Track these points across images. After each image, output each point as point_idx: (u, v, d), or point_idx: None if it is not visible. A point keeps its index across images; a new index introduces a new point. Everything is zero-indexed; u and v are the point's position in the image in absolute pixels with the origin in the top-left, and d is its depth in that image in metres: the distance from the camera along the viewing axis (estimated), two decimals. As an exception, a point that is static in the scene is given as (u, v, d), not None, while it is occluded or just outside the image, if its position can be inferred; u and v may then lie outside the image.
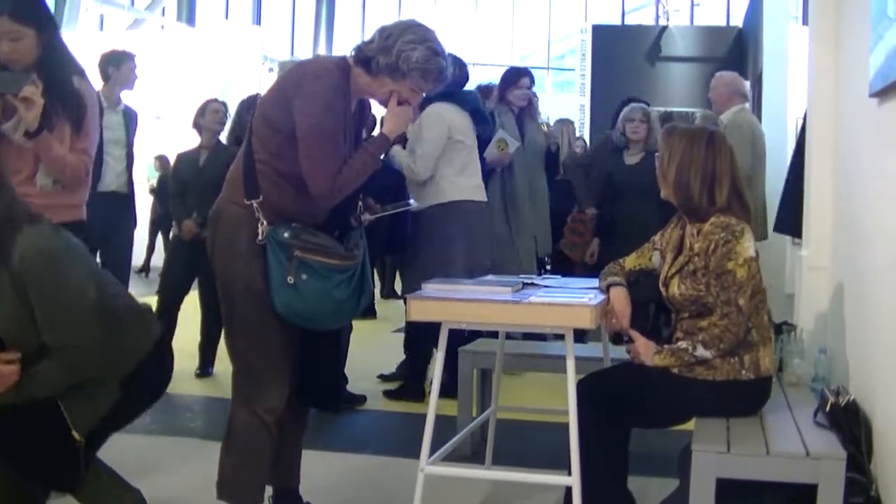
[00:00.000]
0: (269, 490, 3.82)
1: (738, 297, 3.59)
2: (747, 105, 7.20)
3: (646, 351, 3.73)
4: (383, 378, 7.15)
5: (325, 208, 3.54)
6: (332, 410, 5.89)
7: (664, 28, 18.24)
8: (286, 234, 3.46)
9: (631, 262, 4.04)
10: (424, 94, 6.22)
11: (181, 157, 7.47)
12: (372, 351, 8.11)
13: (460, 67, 6.45)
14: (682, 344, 3.67)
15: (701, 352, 3.61)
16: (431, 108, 6.22)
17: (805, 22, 9.76)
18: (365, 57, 3.54)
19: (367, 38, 3.60)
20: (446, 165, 6.18)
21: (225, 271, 3.58)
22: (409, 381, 6.63)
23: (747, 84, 7.38)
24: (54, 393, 3.17)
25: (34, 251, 3.02)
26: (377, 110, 4.03)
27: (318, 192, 3.44)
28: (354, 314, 3.81)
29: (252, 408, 3.58)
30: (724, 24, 22.56)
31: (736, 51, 16.25)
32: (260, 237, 3.45)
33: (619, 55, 15.84)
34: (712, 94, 7.37)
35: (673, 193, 3.80)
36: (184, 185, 7.15)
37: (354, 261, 3.62)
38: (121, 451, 3.67)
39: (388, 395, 6.56)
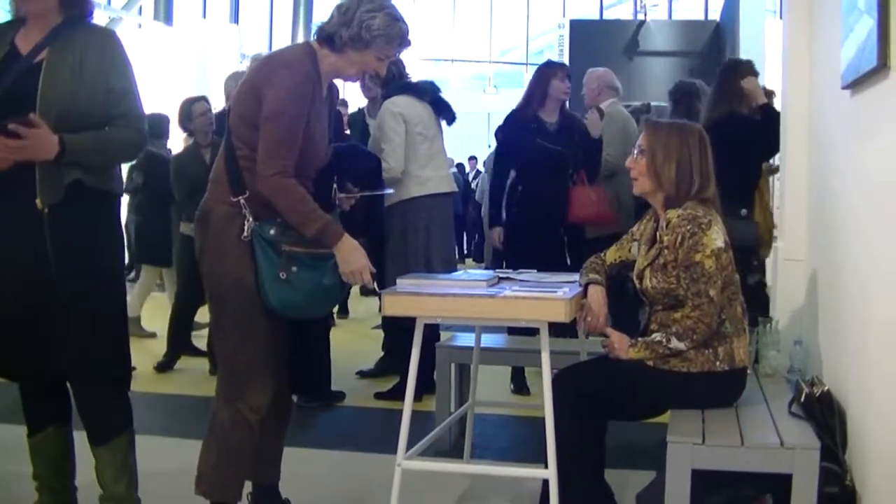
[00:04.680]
0: (247, 486, 3.82)
1: (708, 288, 3.61)
2: (618, 98, 7.42)
3: (620, 345, 3.74)
4: (362, 375, 7.15)
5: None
6: (321, 400, 5.90)
7: (642, 23, 18.26)
8: (273, 231, 3.48)
9: (612, 254, 4.06)
10: (381, 89, 6.30)
11: (182, 159, 7.44)
12: (350, 348, 8.12)
13: (395, 63, 6.46)
14: (657, 336, 3.68)
15: (675, 344, 3.62)
16: (387, 103, 6.24)
17: (782, 16, 9.79)
18: (327, 35, 3.57)
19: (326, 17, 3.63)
20: (409, 160, 6.20)
21: (214, 269, 3.60)
22: (402, 382, 6.63)
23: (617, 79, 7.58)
24: (122, 158, 3.74)
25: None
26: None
27: (263, 173, 3.44)
28: (340, 299, 3.81)
29: (236, 405, 3.59)
30: (702, 18, 22.60)
31: (713, 45, 16.29)
32: (245, 233, 3.47)
33: (598, 50, 15.82)
34: (584, 89, 7.47)
35: (673, 190, 3.78)
36: (194, 184, 7.13)
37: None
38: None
39: (379, 396, 6.47)
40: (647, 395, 3.72)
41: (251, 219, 3.48)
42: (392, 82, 6.35)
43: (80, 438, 3.66)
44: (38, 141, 3.25)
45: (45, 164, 3.31)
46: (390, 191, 5.86)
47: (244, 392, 3.59)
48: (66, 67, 3.38)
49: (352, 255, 3.57)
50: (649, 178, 3.82)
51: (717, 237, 3.66)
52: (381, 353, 7.29)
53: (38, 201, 3.35)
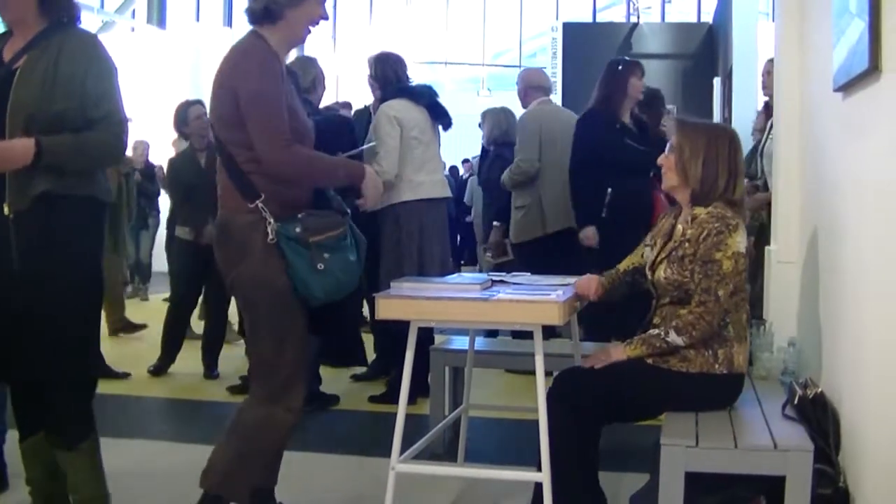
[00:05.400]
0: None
1: (718, 288, 3.61)
2: (550, 97, 7.52)
3: (615, 350, 3.74)
4: (356, 378, 7.14)
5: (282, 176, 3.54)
6: (315, 403, 5.90)
7: (635, 25, 18.31)
8: (298, 230, 3.48)
9: (625, 263, 4.10)
10: (379, 92, 6.33)
11: (177, 164, 7.46)
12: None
13: (397, 63, 6.47)
14: (654, 331, 3.70)
15: (673, 337, 3.63)
16: (383, 106, 6.23)
17: (774, 18, 9.84)
18: (261, 12, 3.56)
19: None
20: (404, 164, 6.18)
21: (244, 277, 3.58)
22: (396, 385, 6.63)
23: (550, 78, 7.80)
24: (100, 163, 3.62)
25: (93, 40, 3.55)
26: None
27: (270, 157, 3.47)
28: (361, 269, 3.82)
29: (271, 407, 3.60)
30: (695, 20, 22.63)
31: (706, 47, 16.36)
32: (270, 236, 3.47)
33: (591, 53, 15.86)
34: (517, 91, 7.54)
35: (697, 186, 3.79)
36: (188, 189, 7.14)
37: (346, 218, 3.68)
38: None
39: (373, 399, 6.47)
40: (645, 393, 3.71)
41: (272, 220, 3.47)
42: (390, 85, 6.36)
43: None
44: (5, 152, 3.23)
45: (17, 169, 3.29)
46: (372, 143, 5.94)
47: (284, 394, 3.61)
48: (38, 72, 3.36)
49: (379, 185, 3.79)
50: (676, 173, 3.84)
51: (741, 241, 3.67)
52: (374, 357, 7.30)
53: (5, 207, 3.33)
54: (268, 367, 3.64)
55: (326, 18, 3.70)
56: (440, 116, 6.47)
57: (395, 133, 6.14)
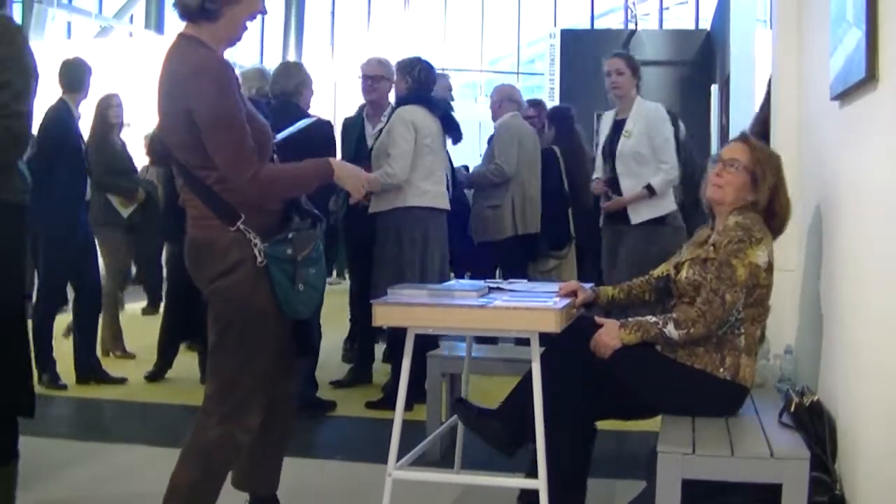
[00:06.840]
0: (241, 495, 3.82)
1: (727, 292, 3.62)
2: (520, 112, 7.88)
3: (609, 332, 3.72)
4: (335, 385, 7.16)
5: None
6: (312, 409, 5.91)
7: (633, 32, 18.28)
8: (289, 251, 3.36)
9: (661, 269, 4.13)
10: (395, 97, 6.35)
11: (167, 170, 7.42)
12: (337, 356, 8.07)
13: (428, 71, 6.47)
14: (652, 318, 3.70)
15: (670, 330, 3.64)
16: (399, 110, 6.26)
17: (772, 26, 9.84)
18: (197, 10, 3.31)
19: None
20: (413, 170, 6.19)
21: (223, 293, 3.41)
22: (392, 391, 6.63)
23: (521, 94, 8.22)
24: None
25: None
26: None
27: (243, 181, 3.26)
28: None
29: (228, 426, 3.45)
30: (692, 27, 22.63)
31: (704, 54, 16.33)
32: (259, 259, 3.32)
33: (589, 60, 15.84)
34: (490, 104, 8.02)
35: (760, 204, 3.83)
36: (177, 195, 7.12)
37: (321, 226, 3.59)
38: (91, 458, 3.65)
39: (370, 405, 6.44)
40: (645, 378, 3.72)
41: (258, 242, 3.32)
42: (411, 92, 6.38)
43: (52, 450, 3.64)
44: None
45: None
46: (311, 119, 5.85)
47: (240, 413, 3.46)
48: None
49: (352, 170, 3.58)
50: (742, 193, 3.85)
51: (761, 254, 3.69)
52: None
53: None
54: (227, 385, 3.48)
55: (265, 12, 3.47)
56: (452, 130, 6.53)
57: (410, 137, 6.16)
